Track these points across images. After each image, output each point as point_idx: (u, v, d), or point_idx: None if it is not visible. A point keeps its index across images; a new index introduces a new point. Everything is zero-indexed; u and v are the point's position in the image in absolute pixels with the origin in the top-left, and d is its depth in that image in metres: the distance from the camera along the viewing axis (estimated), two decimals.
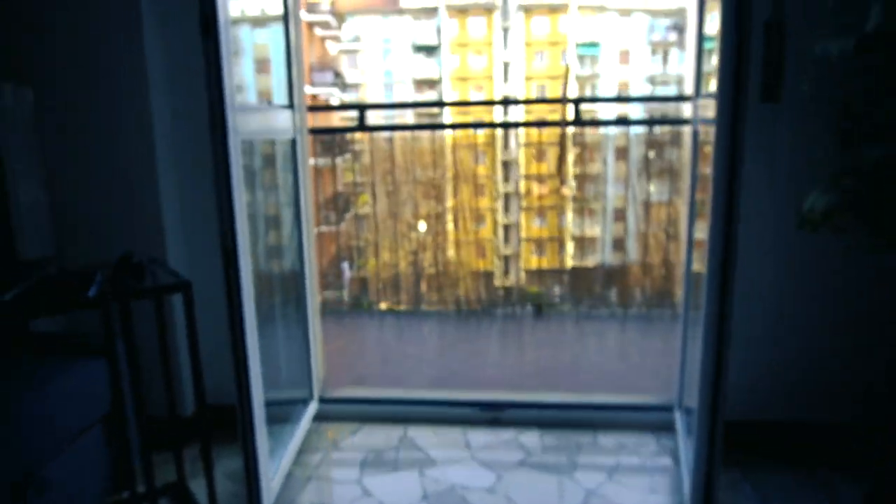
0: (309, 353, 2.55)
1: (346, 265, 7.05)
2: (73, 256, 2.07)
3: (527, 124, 4.26)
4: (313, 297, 2.56)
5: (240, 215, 1.67)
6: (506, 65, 30.73)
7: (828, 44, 1.75)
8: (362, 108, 4.05)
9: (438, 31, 30.75)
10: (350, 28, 28.98)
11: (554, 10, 29.92)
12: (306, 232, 2.41)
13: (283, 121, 2.19)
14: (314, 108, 3.66)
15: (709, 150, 1.92)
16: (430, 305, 4.27)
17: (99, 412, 1.87)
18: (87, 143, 2.18)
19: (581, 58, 30.50)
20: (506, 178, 12.22)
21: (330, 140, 5.53)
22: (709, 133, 1.91)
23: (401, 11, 30.73)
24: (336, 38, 23.87)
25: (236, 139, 1.65)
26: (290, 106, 2.25)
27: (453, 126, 6.13)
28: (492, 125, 4.93)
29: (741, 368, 1.84)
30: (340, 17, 22.73)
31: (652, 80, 30.18)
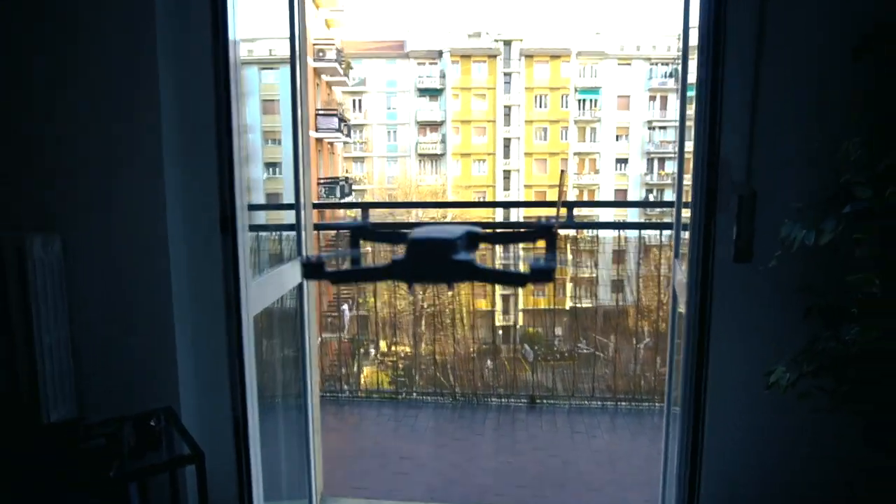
0: (310, 473, 2.67)
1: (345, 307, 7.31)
2: (92, 400, 2.22)
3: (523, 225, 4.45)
4: (315, 417, 2.70)
5: (250, 388, 1.82)
6: (507, 108, 31.30)
7: (792, 229, 1.91)
8: (365, 206, 4.24)
9: (442, 75, 31.40)
10: (356, 72, 29.60)
11: (555, 56, 30.59)
12: (309, 369, 2.56)
13: (291, 274, 2.35)
14: (318, 205, 3.82)
15: None
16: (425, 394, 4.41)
17: None
18: (107, 288, 2.31)
19: (581, 102, 31.08)
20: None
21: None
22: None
23: (406, 56, 31.46)
24: (342, 83, 24.31)
25: (249, 319, 1.82)
26: (299, 253, 2.42)
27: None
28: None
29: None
30: (347, 63, 23.23)
31: (650, 125, 30.75)
